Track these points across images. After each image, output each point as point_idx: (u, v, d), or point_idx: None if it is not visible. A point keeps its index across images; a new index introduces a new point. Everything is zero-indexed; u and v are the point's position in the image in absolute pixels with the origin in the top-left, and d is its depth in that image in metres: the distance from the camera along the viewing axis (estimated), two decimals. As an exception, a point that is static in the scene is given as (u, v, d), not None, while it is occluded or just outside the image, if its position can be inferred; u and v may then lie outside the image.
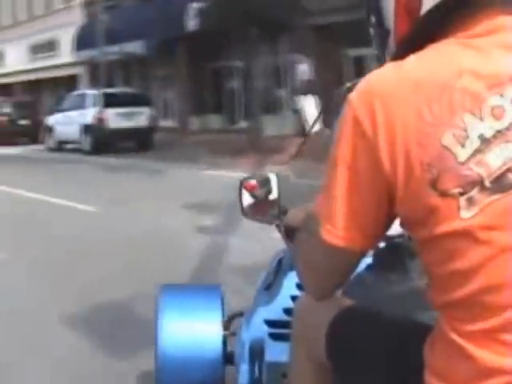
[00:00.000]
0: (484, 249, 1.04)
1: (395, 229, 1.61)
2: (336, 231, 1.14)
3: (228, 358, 2.14)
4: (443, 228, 1.05)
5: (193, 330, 2.09)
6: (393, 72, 1.12)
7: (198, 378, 2.06)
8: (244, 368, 1.86)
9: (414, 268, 1.72)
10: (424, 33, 1.16)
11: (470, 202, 1.04)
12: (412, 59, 1.12)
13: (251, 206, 1.81)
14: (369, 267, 1.84)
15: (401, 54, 1.16)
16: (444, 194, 1.04)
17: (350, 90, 1.16)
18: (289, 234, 1.63)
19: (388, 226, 1.19)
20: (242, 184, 1.81)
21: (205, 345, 2.07)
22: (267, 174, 1.76)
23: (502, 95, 1.06)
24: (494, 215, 1.04)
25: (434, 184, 1.04)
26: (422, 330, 1.19)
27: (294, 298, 1.87)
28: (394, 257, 1.82)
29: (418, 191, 1.06)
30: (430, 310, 1.15)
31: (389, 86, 1.10)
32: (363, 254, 1.21)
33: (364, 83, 1.12)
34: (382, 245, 1.86)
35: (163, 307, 2.13)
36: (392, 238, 1.83)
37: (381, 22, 1.26)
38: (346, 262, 1.20)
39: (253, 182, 1.78)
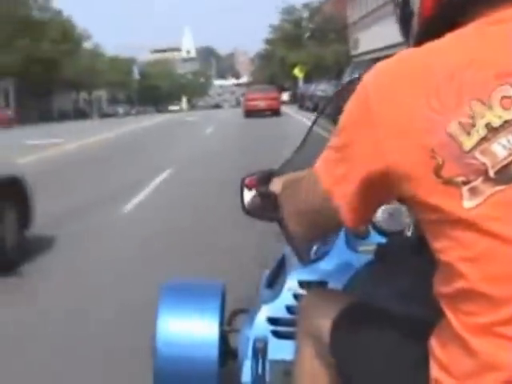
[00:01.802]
0: (486, 240, 1.05)
1: (396, 225, 1.89)
2: (331, 190, 1.19)
3: (231, 354, 2.17)
4: (446, 216, 1.07)
5: (189, 327, 2.13)
6: (408, 57, 1.15)
7: (193, 375, 2.08)
8: (247, 365, 1.89)
9: (416, 264, 1.65)
10: (447, 16, 1.18)
11: (474, 191, 1.04)
12: (428, 46, 1.15)
13: (252, 203, 1.82)
14: (371, 263, 1.83)
15: (423, 37, 1.19)
16: (447, 182, 1.06)
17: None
18: (271, 200, 1.65)
19: (378, 203, 1.23)
20: (243, 181, 1.84)
21: (200, 343, 2.10)
22: (268, 170, 1.77)
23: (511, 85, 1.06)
24: (497, 207, 1.04)
25: (438, 171, 1.06)
26: (425, 326, 1.20)
27: (296, 296, 1.90)
28: (396, 253, 1.80)
29: (422, 176, 1.08)
30: (432, 306, 1.15)
31: (402, 70, 1.13)
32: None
33: (381, 64, 1.17)
34: (383, 241, 1.88)
35: (163, 303, 2.17)
36: (393, 233, 1.89)
37: (406, 3, 1.27)
38: (333, 218, 1.23)
39: (253, 178, 1.80)
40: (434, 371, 1.13)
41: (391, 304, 1.46)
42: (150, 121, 43.22)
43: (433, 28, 1.19)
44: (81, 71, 63.70)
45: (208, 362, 2.09)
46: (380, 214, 1.98)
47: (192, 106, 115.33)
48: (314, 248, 2.07)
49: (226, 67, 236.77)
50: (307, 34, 62.34)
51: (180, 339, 2.11)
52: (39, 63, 53.52)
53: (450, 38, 1.12)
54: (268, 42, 74.18)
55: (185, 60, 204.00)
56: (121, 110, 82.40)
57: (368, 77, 1.15)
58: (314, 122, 2.15)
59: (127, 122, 41.01)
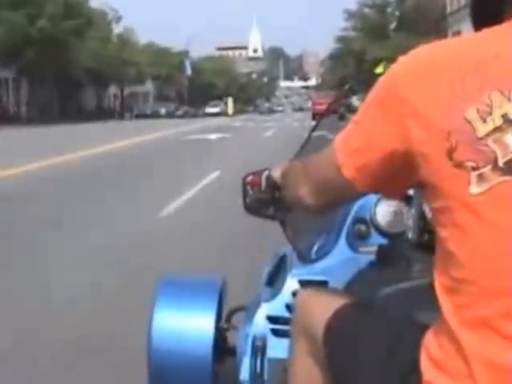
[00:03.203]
0: (487, 229, 1.07)
1: (398, 226, 1.91)
2: (347, 164, 1.23)
3: (228, 351, 2.15)
4: (453, 202, 1.10)
5: (185, 323, 2.11)
6: (440, 46, 1.20)
7: (187, 371, 2.06)
8: (245, 363, 1.89)
9: (416, 265, 1.67)
10: (485, 13, 1.24)
11: (481, 178, 1.07)
12: (461, 37, 1.20)
13: (254, 202, 1.79)
14: (372, 264, 1.84)
15: (476, 28, 1.25)
16: (458, 165, 1.08)
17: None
18: (273, 186, 1.66)
19: (393, 181, 1.24)
20: (245, 179, 1.81)
21: (195, 339, 2.08)
22: (271, 169, 1.73)
23: None
24: (501, 197, 1.06)
25: (450, 153, 1.08)
26: (422, 328, 1.21)
27: (296, 295, 1.89)
28: (397, 254, 1.80)
29: (435, 158, 1.10)
30: (431, 308, 1.16)
31: (432, 57, 1.17)
32: (363, 194, 1.32)
33: (416, 50, 1.21)
34: (385, 242, 1.89)
35: (160, 297, 2.16)
36: (395, 235, 1.90)
37: None
38: (344, 190, 1.28)
39: (256, 177, 1.77)
40: (429, 372, 1.13)
41: (390, 305, 1.45)
42: (166, 131, 29.53)
43: (480, 21, 1.22)
44: (106, 60, 49.90)
45: (202, 358, 2.06)
46: (381, 216, 1.97)
47: (255, 108, 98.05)
48: (315, 247, 2.05)
49: (294, 69, 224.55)
50: (393, 24, 47.49)
51: (175, 334, 2.09)
52: (36, 45, 39.77)
53: (484, 32, 1.16)
54: (340, 39, 59.97)
55: (250, 59, 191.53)
56: (163, 109, 68.34)
57: (401, 59, 1.19)
58: (317, 124, 2.11)
59: (139, 131, 29.33)
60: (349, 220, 1.99)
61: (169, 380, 2.09)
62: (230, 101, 71.97)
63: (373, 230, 1.97)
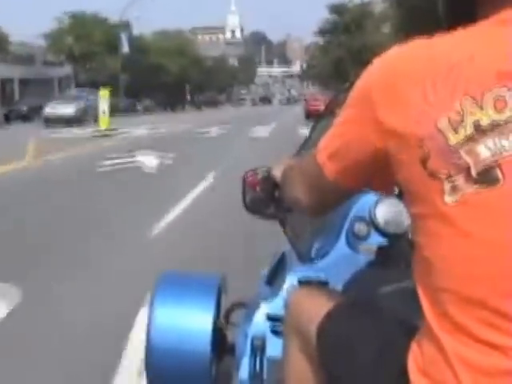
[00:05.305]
0: (462, 238, 1.06)
1: (398, 227, 1.86)
2: (327, 165, 1.24)
3: (228, 349, 2.16)
4: (428, 209, 1.09)
5: (183, 320, 2.10)
6: (414, 47, 1.16)
7: (185, 368, 2.05)
8: (245, 362, 1.89)
9: None
10: (459, 11, 1.20)
11: (454, 188, 1.06)
12: (436, 38, 1.16)
13: (254, 201, 1.80)
14: (371, 264, 1.84)
15: (447, 27, 1.22)
16: (432, 175, 1.07)
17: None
18: (274, 186, 1.67)
19: (385, 183, 1.24)
20: (245, 179, 1.83)
21: (193, 336, 2.07)
22: (272, 168, 1.74)
23: (509, 88, 1.05)
24: (475, 207, 1.05)
25: (424, 162, 1.07)
26: (415, 331, 1.20)
27: None
28: (397, 254, 1.81)
29: (409, 164, 1.09)
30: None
31: (406, 60, 1.14)
32: (351, 193, 1.32)
33: (390, 52, 1.19)
34: (384, 242, 1.88)
35: (158, 294, 2.16)
36: (394, 235, 1.88)
37: None
38: (331, 190, 1.28)
39: (255, 178, 1.78)
40: (416, 378, 1.12)
41: (388, 305, 1.44)
42: None
43: (452, 20, 1.18)
44: None
45: (201, 355, 2.05)
46: (381, 216, 1.93)
47: (227, 98, 73.69)
48: (315, 246, 2.06)
49: (277, 55, 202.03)
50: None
51: (173, 331, 2.08)
52: None
53: (458, 32, 1.12)
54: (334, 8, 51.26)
55: (227, 42, 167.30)
56: (70, 109, 35.61)
57: (375, 62, 1.17)
58: (316, 125, 2.11)
59: None
60: (348, 220, 1.99)
61: (167, 378, 2.08)
62: (102, 95, 28.71)
63: (372, 230, 1.96)
